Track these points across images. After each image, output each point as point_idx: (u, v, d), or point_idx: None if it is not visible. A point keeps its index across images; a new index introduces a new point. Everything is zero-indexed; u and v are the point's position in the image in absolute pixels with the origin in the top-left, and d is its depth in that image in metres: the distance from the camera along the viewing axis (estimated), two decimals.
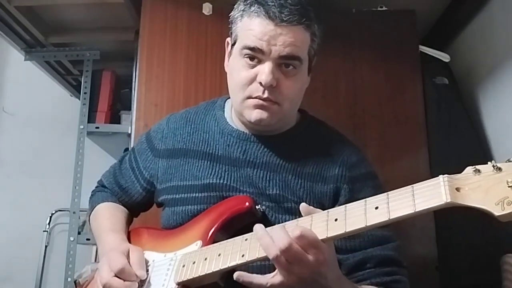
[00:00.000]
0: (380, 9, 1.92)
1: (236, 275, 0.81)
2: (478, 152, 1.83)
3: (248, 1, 0.99)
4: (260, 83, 0.96)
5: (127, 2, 1.91)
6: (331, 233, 0.77)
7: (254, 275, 0.82)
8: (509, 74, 1.71)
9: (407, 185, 0.75)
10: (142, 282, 0.93)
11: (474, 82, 1.97)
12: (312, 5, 0.99)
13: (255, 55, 0.97)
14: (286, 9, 0.94)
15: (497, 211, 0.65)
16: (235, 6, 1.04)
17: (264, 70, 0.95)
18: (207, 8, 1.89)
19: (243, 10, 1.00)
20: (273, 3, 0.95)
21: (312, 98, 1.68)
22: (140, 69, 1.85)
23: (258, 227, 0.81)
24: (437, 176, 0.72)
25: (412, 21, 1.89)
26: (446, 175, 0.71)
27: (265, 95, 0.97)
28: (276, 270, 0.80)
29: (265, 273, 0.94)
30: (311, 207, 0.83)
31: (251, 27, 0.97)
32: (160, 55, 1.86)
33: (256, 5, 0.97)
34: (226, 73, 1.07)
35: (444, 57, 1.95)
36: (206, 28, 1.87)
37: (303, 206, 0.83)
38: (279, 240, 0.76)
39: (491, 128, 1.87)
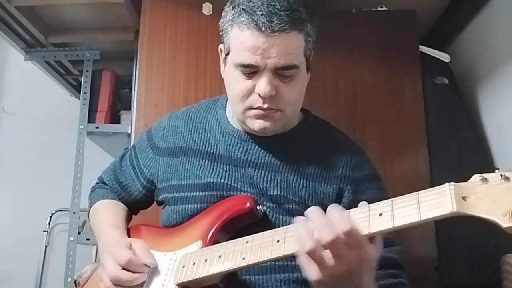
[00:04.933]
0: (380, 9, 1.92)
1: None
2: (478, 152, 1.83)
3: (236, 9, 0.94)
4: (259, 95, 0.94)
5: (127, 2, 1.90)
6: None
7: None
8: (509, 74, 1.71)
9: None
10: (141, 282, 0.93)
11: (474, 82, 1.97)
12: (303, 3, 0.94)
13: (250, 70, 0.94)
14: (275, 17, 0.89)
15: (504, 223, 0.63)
16: (223, 14, 1.00)
17: (262, 82, 0.93)
18: (207, 8, 1.89)
19: (232, 20, 0.95)
20: (261, 12, 0.89)
21: (312, 98, 1.66)
22: (140, 69, 1.85)
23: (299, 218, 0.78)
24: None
25: (412, 21, 1.89)
26: (452, 183, 0.70)
27: (266, 105, 0.95)
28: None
29: (266, 274, 0.95)
30: None
31: (243, 41, 0.92)
32: (160, 55, 1.86)
33: (244, 15, 0.91)
34: None
35: (444, 57, 1.95)
36: (206, 28, 1.87)
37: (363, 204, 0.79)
38: (321, 233, 0.71)
39: (491, 128, 1.86)
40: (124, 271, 0.90)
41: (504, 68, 1.74)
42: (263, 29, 0.89)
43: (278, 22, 0.89)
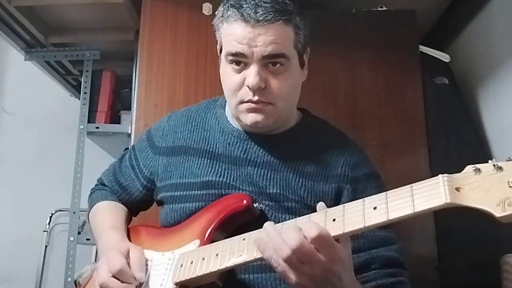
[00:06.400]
0: (380, 9, 1.92)
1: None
2: (478, 152, 1.83)
3: (225, 6, 0.99)
4: (248, 87, 0.96)
5: (127, 2, 1.91)
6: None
7: None
8: (509, 74, 1.71)
9: (407, 185, 0.74)
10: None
11: (474, 82, 1.97)
12: None
13: (239, 59, 0.96)
14: (260, 8, 0.93)
15: (498, 212, 0.63)
16: (216, 13, 1.03)
17: (250, 73, 0.95)
18: (207, 8, 1.89)
19: (222, 16, 1.00)
20: (247, 5, 0.94)
21: (312, 98, 1.68)
22: (140, 69, 1.86)
23: (268, 226, 0.81)
24: (437, 176, 0.72)
25: (412, 21, 1.89)
26: (445, 175, 0.70)
27: (256, 97, 0.96)
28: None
29: (264, 272, 0.94)
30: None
31: (231, 33, 0.96)
32: (160, 55, 1.86)
33: (231, 9, 0.96)
34: None
35: (444, 57, 1.95)
36: (206, 28, 1.86)
37: (320, 205, 0.82)
38: (291, 240, 0.75)
39: (491, 128, 1.86)
40: (113, 278, 0.90)
41: (504, 68, 1.74)
42: (248, 19, 0.93)
43: (262, 12, 0.93)
